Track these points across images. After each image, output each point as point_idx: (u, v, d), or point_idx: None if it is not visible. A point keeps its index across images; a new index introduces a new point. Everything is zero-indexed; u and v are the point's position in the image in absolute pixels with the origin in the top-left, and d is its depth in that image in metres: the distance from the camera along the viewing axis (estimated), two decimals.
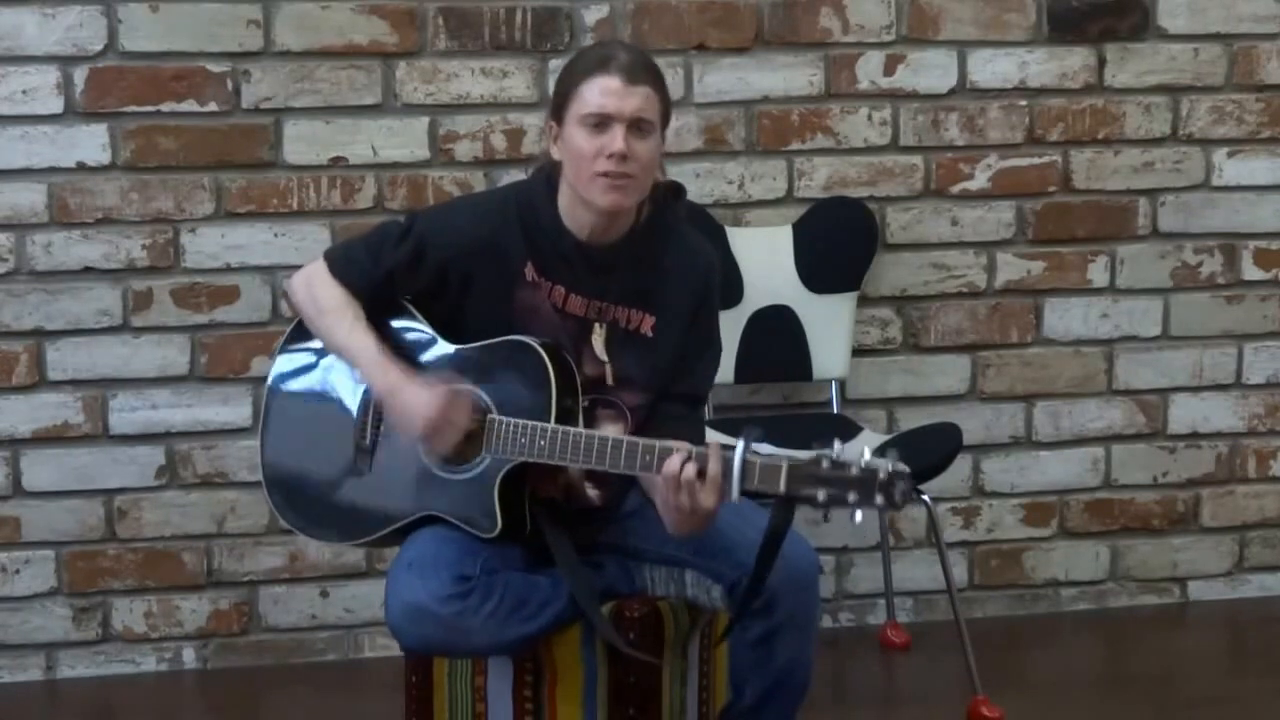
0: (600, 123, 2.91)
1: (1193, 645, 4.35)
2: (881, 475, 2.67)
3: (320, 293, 3.06)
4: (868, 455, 2.69)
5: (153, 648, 4.09)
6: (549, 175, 3.04)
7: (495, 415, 2.94)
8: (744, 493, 2.75)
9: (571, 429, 2.89)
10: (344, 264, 3.07)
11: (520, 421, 2.91)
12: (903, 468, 2.68)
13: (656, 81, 2.97)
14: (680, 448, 2.80)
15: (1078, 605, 4.48)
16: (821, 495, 2.69)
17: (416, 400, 2.93)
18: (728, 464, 2.75)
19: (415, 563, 2.92)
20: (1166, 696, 3.98)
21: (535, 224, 3.01)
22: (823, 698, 3.70)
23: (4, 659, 4.04)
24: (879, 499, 2.67)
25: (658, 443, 2.83)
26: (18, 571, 4.02)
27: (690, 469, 2.77)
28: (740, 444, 2.74)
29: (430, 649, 3.00)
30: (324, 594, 4.14)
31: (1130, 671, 4.16)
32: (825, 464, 2.69)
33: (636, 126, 2.92)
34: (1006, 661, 4.14)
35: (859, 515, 2.69)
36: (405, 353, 3.04)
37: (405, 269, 3.03)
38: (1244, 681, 4.15)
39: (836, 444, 2.72)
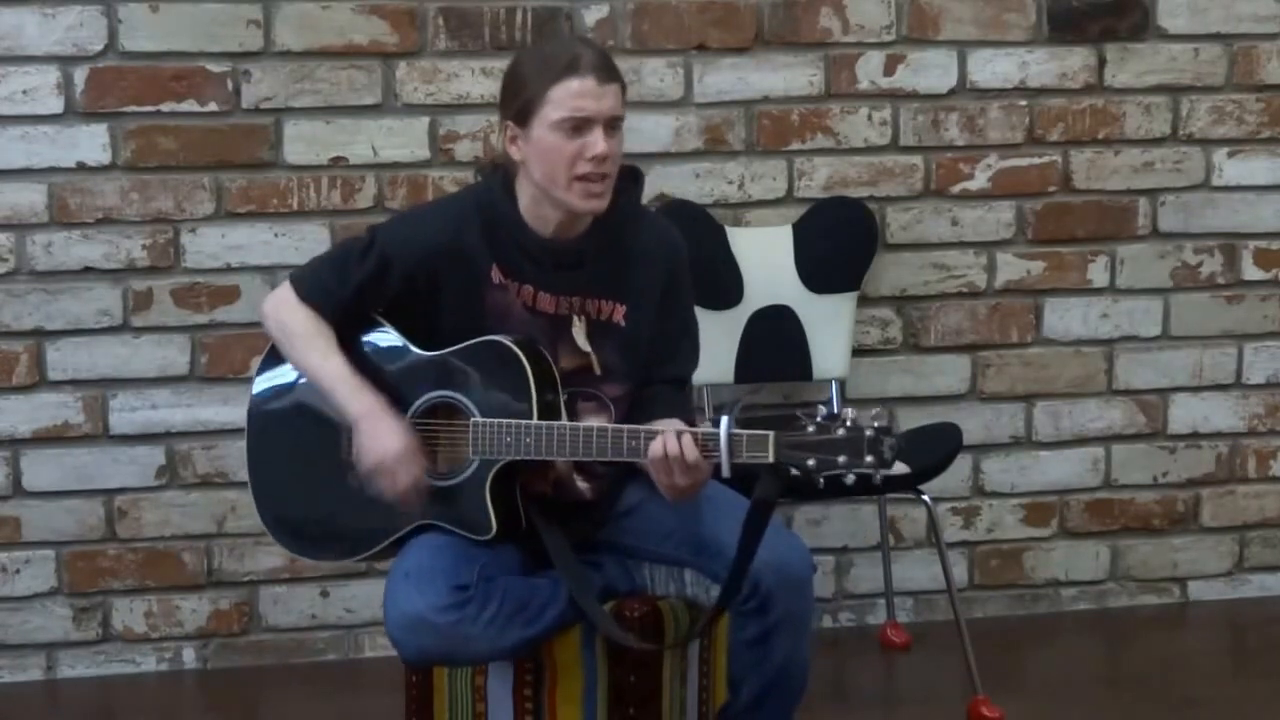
0: (579, 125, 2.88)
1: (1193, 645, 4.34)
2: (868, 433, 2.69)
3: (289, 318, 3.03)
4: (851, 415, 2.71)
5: (153, 648, 4.09)
6: (505, 176, 3.01)
7: (479, 418, 2.93)
8: (734, 466, 2.76)
9: (556, 423, 2.89)
10: (310, 286, 3.04)
11: (505, 421, 2.90)
12: (886, 424, 2.71)
13: (619, 75, 2.95)
14: (667, 427, 2.81)
15: (1078, 605, 4.48)
16: (812, 461, 2.71)
17: (388, 434, 2.92)
18: (714, 439, 2.76)
19: (412, 573, 2.91)
20: (1166, 696, 3.97)
21: (497, 225, 2.99)
22: (823, 698, 3.70)
23: (4, 659, 4.04)
24: (869, 458, 2.69)
25: (642, 428, 2.84)
26: (18, 571, 4.01)
27: (675, 449, 2.78)
28: (725, 419, 2.76)
29: (429, 659, 2.99)
30: (324, 594, 4.14)
31: (1130, 671, 4.16)
32: (811, 429, 2.71)
33: (610, 125, 2.91)
34: (1006, 661, 4.13)
35: (851, 479, 2.70)
36: (379, 366, 3.03)
37: (372, 284, 3.00)
38: (1244, 681, 4.15)
39: (821, 409, 2.74)
